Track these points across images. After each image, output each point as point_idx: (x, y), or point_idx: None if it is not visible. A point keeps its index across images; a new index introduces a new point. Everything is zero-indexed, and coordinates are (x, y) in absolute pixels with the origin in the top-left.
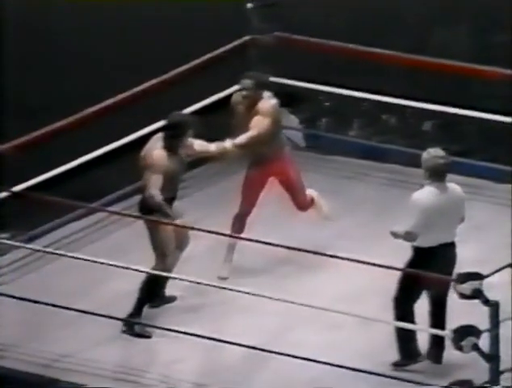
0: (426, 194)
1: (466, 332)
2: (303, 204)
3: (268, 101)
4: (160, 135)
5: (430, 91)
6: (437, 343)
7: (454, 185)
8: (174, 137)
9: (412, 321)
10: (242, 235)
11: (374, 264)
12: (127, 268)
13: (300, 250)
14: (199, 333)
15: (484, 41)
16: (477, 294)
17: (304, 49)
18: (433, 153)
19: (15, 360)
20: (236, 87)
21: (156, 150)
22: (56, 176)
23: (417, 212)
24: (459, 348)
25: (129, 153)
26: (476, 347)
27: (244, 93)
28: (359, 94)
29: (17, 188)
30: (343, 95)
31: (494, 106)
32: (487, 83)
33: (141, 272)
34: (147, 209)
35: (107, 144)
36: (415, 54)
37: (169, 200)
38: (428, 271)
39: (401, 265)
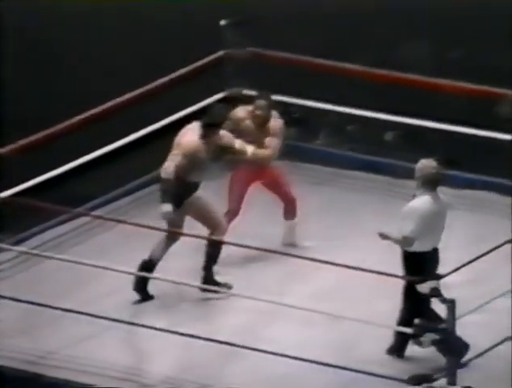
0: (422, 202)
1: (425, 329)
2: (290, 195)
3: (278, 120)
4: (197, 123)
5: (392, 103)
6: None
7: (440, 194)
8: (211, 126)
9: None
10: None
11: (344, 266)
12: (111, 269)
13: (273, 251)
14: (175, 330)
15: (442, 56)
16: (435, 293)
17: (276, 63)
18: (426, 164)
19: (2, 357)
20: (212, 99)
21: (192, 137)
22: (44, 182)
23: (416, 219)
24: (419, 344)
25: (108, 161)
26: (434, 343)
27: (258, 111)
28: (326, 105)
29: (6, 193)
30: (311, 107)
31: (453, 116)
32: (445, 95)
33: (125, 272)
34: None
35: (88, 153)
36: (380, 68)
37: (194, 185)
38: (421, 273)
39: (367, 264)
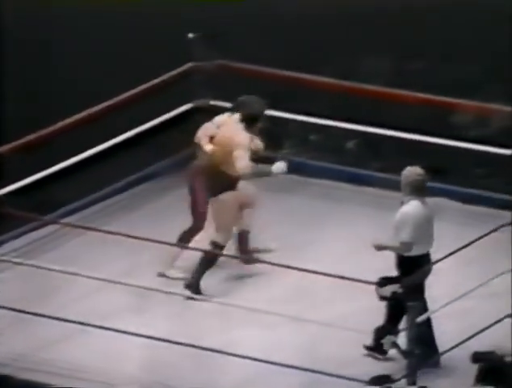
0: (413, 207)
1: (386, 331)
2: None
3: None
4: (228, 117)
5: (354, 113)
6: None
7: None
8: (253, 119)
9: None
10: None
11: (307, 270)
12: (80, 275)
13: (234, 256)
14: (142, 332)
15: (401, 67)
16: (396, 296)
17: (244, 75)
18: (412, 171)
19: None
20: (180, 111)
21: (242, 132)
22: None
23: (411, 225)
24: (380, 346)
25: (77, 171)
26: (394, 345)
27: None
28: (291, 115)
29: None
30: (277, 117)
31: (411, 125)
32: (404, 105)
33: (94, 278)
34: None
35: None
36: (343, 79)
37: (236, 179)
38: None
39: (329, 269)
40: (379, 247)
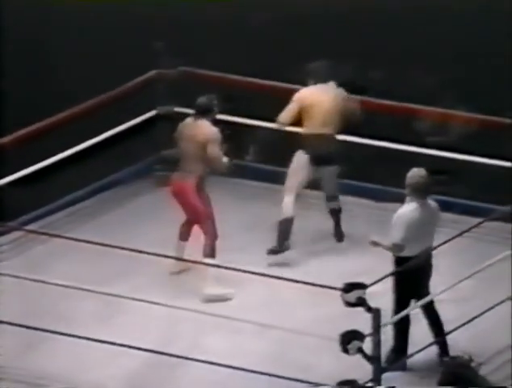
0: (409, 209)
1: (351, 337)
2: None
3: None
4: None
5: None
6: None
7: (431, 201)
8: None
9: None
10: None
11: (274, 277)
12: (44, 282)
13: (202, 263)
14: (109, 340)
15: (367, 74)
16: (361, 302)
17: (207, 82)
18: (416, 173)
19: None
20: (143, 118)
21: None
22: None
23: (402, 226)
24: (346, 351)
25: (41, 178)
26: (360, 350)
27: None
28: (255, 122)
29: None
30: (241, 124)
31: (377, 133)
32: (371, 113)
33: (57, 285)
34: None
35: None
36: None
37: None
38: (411, 277)
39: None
40: (374, 244)
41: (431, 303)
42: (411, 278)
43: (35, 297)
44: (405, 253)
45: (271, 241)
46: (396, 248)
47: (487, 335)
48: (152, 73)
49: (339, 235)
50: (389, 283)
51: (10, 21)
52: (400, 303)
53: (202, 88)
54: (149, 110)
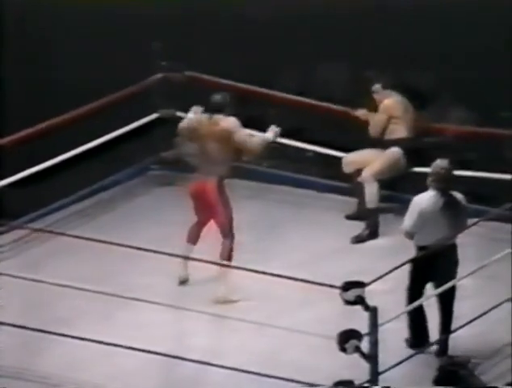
0: (425, 198)
1: (349, 336)
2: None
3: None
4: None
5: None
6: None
7: (456, 193)
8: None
9: (420, 308)
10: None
11: (272, 274)
12: (45, 282)
13: (198, 260)
14: (106, 340)
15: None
16: (359, 301)
17: (211, 88)
18: (438, 164)
19: None
20: (145, 121)
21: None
22: None
23: (413, 213)
24: (343, 350)
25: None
26: (357, 349)
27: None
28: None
29: None
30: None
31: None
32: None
33: (58, 285)
34: None
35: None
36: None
37: None
38: (429, 267)
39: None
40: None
41: (448, 296)
42: (423, 267)
43: (35, 296)
44: (422, 241)
45: (266, 239)
46: (405, 234)
47: (487, 335)
48: (157, 76)
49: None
50: (390, 281)
51: (10, 21)
52: (412, 292)
53: (205, 93)
54: (152, 113)
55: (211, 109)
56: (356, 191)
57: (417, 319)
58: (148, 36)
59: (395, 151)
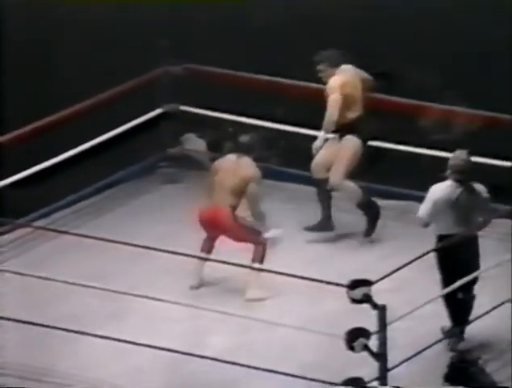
0: (441, 187)
1: (357, 334)
2: None
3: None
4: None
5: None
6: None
7: (478, 185)
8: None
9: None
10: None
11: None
12: (49, 280)
13: (205, 259)
14: (118, 337)
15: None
16: (367, 299)
17: (212, 80)
18: (457, 155)
19: None
20: (149, 116)
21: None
22: None
23: (428, 202)
24: (351, 349)
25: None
26: (366, 348)
27: None
28: (259, 121)
29: None
30: (246, 123)
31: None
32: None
33: (65, 283)
34: None
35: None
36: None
37: None
38: (448, 257)
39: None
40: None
41: (469, 286)
42: (447, 257)
43: (41, 294)
44: (439, 230)
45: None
46: (418, 221)
47: (488, 334)
48: (157, 70)
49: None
50: (397, 280)
51: (10, 21)
52: (445, 282)
53: (207, 86)
54: (155, 108)
55: (239, 149)
56: (321, 197)
57: (456, 307)
58: (152, 32)
59: (351, 142)
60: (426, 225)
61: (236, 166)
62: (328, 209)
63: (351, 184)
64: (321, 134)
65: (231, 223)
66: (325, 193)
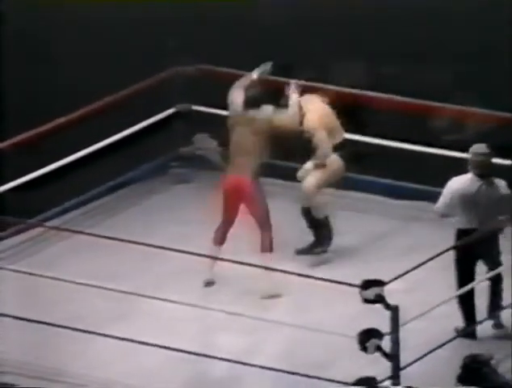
0: (460, 181)
1: (370, 335)
2: None
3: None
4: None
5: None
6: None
7: (499, 180)
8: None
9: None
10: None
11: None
12: (64, 280)
13: (214, 257)
14: (128, 337)
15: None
16: (379, 299)
17: (225, 80)
18: (476, 149)
19: None
20: (162, 116)
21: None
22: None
23: (446, 194)
24: (364, 349)
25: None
26: (378, 348)
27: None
28: None
29: None
30: None
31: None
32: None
33: (77, 283)
34: None
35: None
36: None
37: None
38: (468, 250)
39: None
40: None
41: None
42: (464, 252)
43: (51, 293)
44: (459, 224)
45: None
46: (437, 214)
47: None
48: (170, 70)
49: None
50: (410, 281)
51: (10, 21)
52: (459, 276)
53: (219, 86)
54: (167, 108)
55: (247, 105)
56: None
57: (468, 305)
58: (163, 33)
59: (335, 161)
60: (443, 216)
61: (249, 122)
62: (319, 232)
63: (321, 198)
64: (308, 166)
65: (253, 193)
66: (313, 221)
